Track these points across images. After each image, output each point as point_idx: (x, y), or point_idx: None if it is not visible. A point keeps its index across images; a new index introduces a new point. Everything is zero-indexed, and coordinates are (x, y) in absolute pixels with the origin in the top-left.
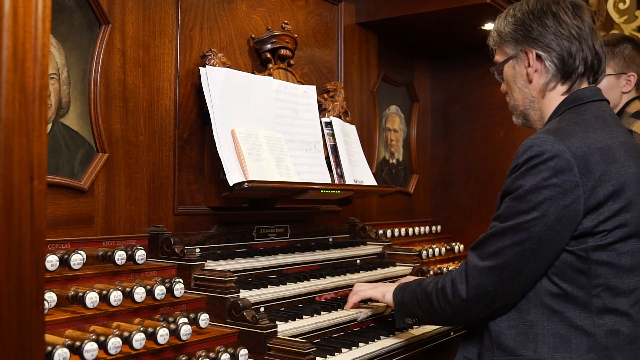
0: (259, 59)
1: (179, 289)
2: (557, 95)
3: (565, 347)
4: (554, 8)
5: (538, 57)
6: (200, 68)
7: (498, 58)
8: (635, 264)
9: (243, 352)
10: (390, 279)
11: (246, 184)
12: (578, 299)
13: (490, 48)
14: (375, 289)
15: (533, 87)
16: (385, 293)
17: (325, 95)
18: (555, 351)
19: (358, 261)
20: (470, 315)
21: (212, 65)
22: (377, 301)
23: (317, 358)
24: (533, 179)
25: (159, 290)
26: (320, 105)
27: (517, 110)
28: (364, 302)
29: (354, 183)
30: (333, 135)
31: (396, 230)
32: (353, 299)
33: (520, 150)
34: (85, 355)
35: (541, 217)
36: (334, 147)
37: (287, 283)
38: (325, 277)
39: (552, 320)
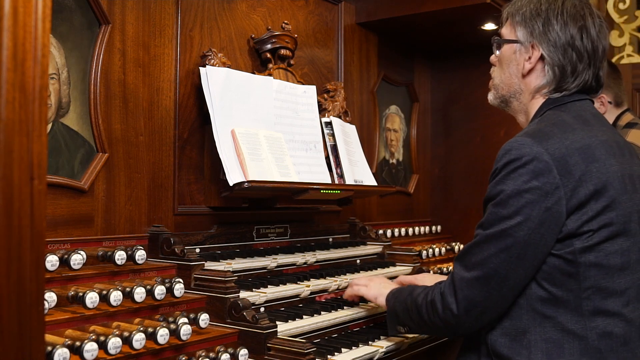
0: (259, 59)
1: (179, 289)
2: (543, 98)
3: (558, 352)
4: (586, 21)
5: (542, 57)
6: (200, 68)
7: (505, 32)
8: (625, 262)
9: (243, 352)
10: (391, 279)
11: (246, 184)
12: (568, 303)
13: (501, 14)
14: (368, 289)
15: (524, 83)
16: (377, 296)
17: (325, 95)
18: (548, 357)
19: (358, 261)
20: (462, 329)
21: (212, 65)
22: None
23: (317, 358)
24: (513, 183)
25: (159, 290)
26: (320, 105)
27: (498, 91)
28: (364, 302)
29: (354, 183)
30: (333, 135)
31: (396, 230)
32: (348, 291)
33: (499, 155)
34: (85, 355)
35: (524, 221)
36: (334, 147)
37: (287, 283)
38: (325, 277)
39: (543, 325)
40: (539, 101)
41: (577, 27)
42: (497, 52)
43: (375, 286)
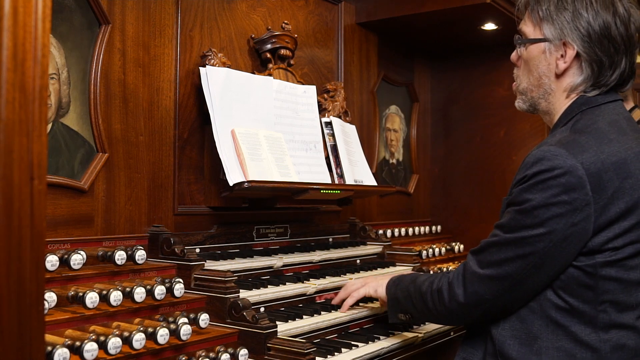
0: (259, 59)
1: (179, 289)
2: (577, 95)
3: None
4: (616, 5)
5: (577, 55)
6: (200, 68)
7: (527, 30)
8: None
9: (243, 352)
10: None
11: (246, 184)
12: (584, 314)
13: (518, 5)
14: (366, 285)
15: (557, 83)
16: (377, 288)
17: (325, 95)
18: None
19: (358, 261)
20: (467, 319)
21: (212, 65)
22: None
23: (317, 358)
24: (541, 195)
25: (159, 290)
26: (320, 105)
27: (527, 95)
28: (364, 302)
29: (354, 183)
30: (333, 135)
31: (396, 230)
32: (348, 301)
33: (529, 161)
34: (85, 355)
35: (547, 233)
36: (334, 147)
37: (287, 283)
38: (325, 277)
39: (556, 333)
40: (570, 100)
41: (610, 13)
42: (520, 49)
43: (373, 280)
